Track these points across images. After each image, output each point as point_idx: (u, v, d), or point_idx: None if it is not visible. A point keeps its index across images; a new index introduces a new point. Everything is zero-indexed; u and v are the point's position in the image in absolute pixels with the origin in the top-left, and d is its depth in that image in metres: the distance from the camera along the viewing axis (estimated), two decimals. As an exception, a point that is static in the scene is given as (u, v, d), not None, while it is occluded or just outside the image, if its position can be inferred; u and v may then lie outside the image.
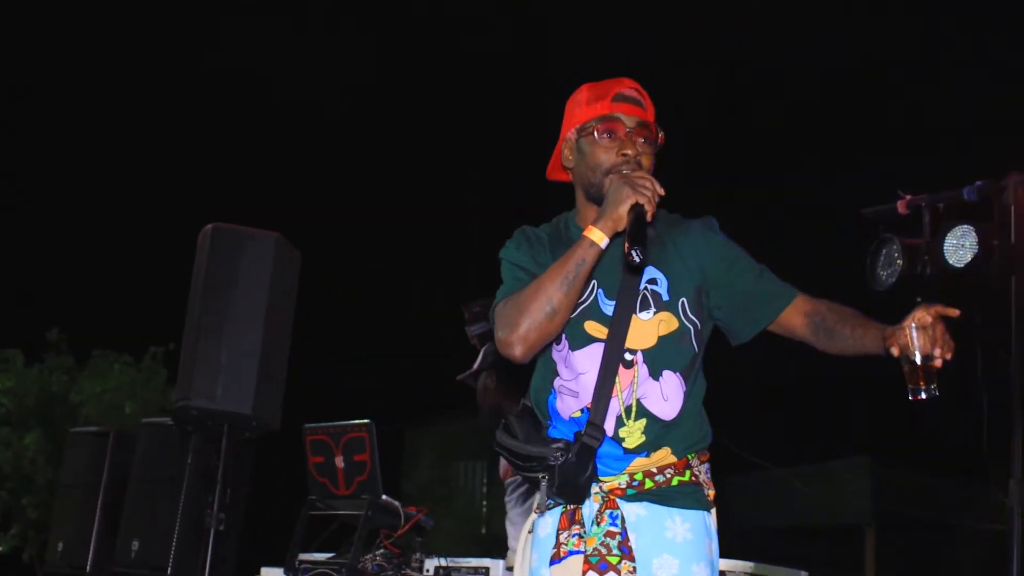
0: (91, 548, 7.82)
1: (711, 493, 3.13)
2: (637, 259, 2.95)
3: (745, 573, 4.85)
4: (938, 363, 2.91)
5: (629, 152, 3.16)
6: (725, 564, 4.88)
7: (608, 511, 3.06)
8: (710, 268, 3.16)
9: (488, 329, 9.44)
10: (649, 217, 2.99)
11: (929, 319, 2.91)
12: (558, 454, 3.04)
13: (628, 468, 3.08)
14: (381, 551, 5.86)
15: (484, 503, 22.08)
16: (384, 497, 5.95)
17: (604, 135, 3.19)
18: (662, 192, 3.03)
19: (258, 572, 6.43)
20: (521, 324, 3.06)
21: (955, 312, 2.92)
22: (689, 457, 3.11)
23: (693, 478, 3.10)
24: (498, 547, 5.77)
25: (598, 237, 3.01)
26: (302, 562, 6.10)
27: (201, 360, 6.09)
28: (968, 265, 6.14)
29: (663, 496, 3.07)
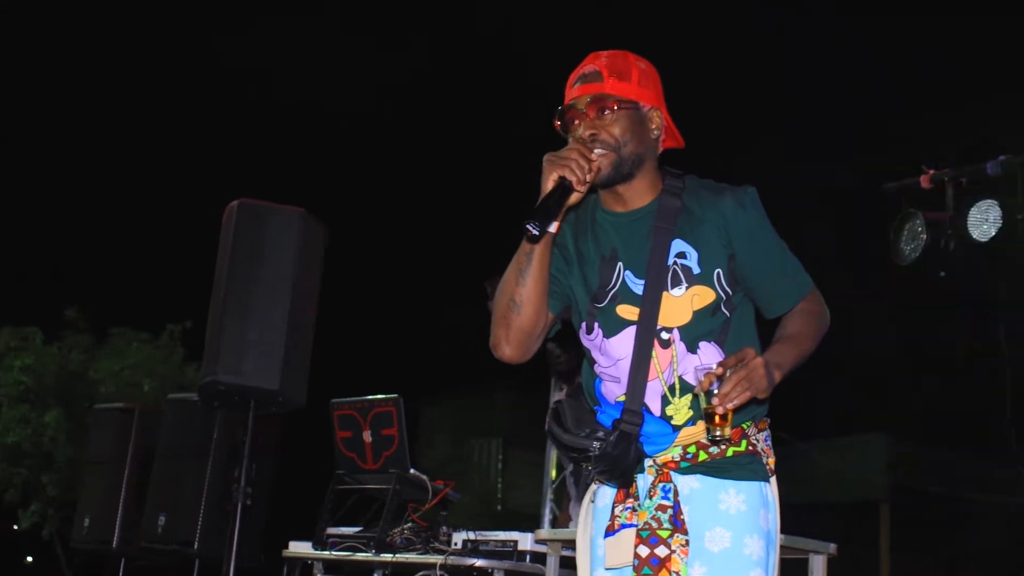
0: (117, 523, 7.88)
1: (771, 462, 3.09)
2: (533, 232, 2.94)
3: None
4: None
5: (578, 135, 3.08)
6: None
7: (661, 484, 3.04)
8: (737, 246, 3.06)
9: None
10: (579, 185, 2.95)
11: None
12: (596, 444, 3.03)
13: (678, 440, 3.06)
14: (409, 525, 5.89)
15: (499, 480, 22.11)
16: (412, 471, 5.98)
17: (563, 128, 3.15)
18: (593, 157, 2.99)
19: (286, 546, 6.46)
20: (497, 326, 3.14)
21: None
22: (744, 427, 3.05)
23: (750, 448, 3.05)
24: (513, 522, 5.80)
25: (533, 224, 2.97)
26: (330, 536, 6.13)
27: (228, 336, 6.11)
28: (992, 239, 6.14)
29: (717, 468, 3.04)
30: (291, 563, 6.40)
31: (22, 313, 21.53)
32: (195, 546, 7.02)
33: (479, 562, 5.55)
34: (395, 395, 6.00)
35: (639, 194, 3.14)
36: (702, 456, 3.03)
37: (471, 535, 5.72)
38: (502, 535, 5.66)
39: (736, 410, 2.87)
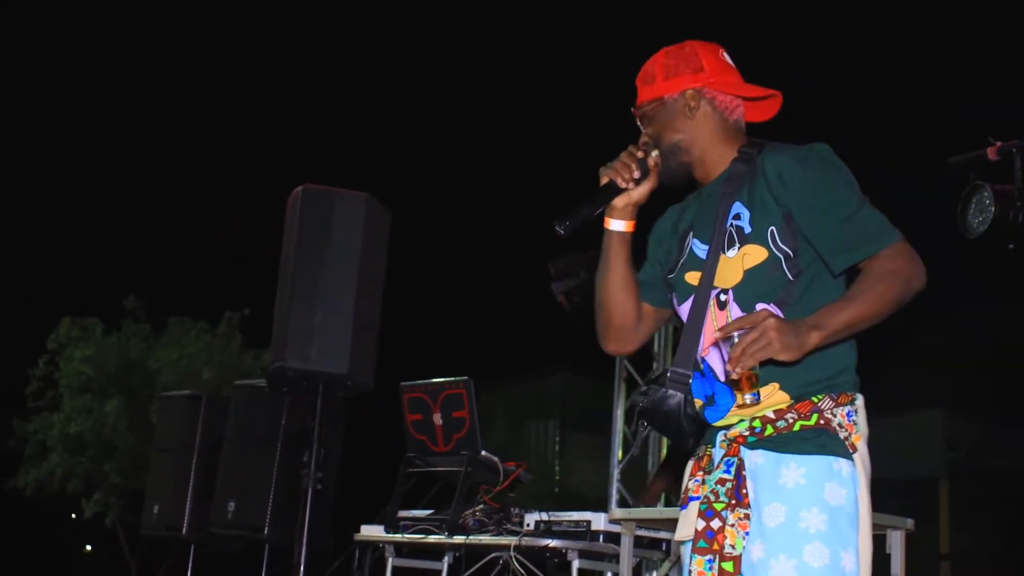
0: (187, 510, 7.92)
1: (855, 438, 2.97)
2: (560, 231, 3.08)
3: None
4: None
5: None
6: None
7: (726, 458, 3.02)
8: (792, 202, 3.02)
9: (574, 285, 9.41)
10: (626, 183, 3.15)
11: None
12: (639, 399, 3.10)
13: (745, 412, 3.01)
14: (481, 507, 5.88)
15: (556, 461, 22.15)
16: (483, 453, 5.97)
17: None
18: (640, 154, 3.18)
19: (357, 530, 6.48)
20: (596, 321, 3.35)
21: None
22: (815, 399, 2.97)
23: (821, 422, 2.95)
24: (571, 503, 5.78)
25: (608, 223, 3.24)
26: (402, 519, 6.14)
27: (295, 321, 6.12)
28: (1062, 211, 6.05)
29: (781, 443, 2.97)
30: (362, 547, 6.42)
31: (82, 304, 21.74)
32: (265, 531, 7.05)
33: (553, 543, 5.53)
34: (465, 377, 6.00)
35: (713, 168, 3.23)
36: (768, 430, 2.99)
37: (544, 516, 5.71)
38: (575, 515, 5.64)
39: (798, 377, 2.93)
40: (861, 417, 3.02)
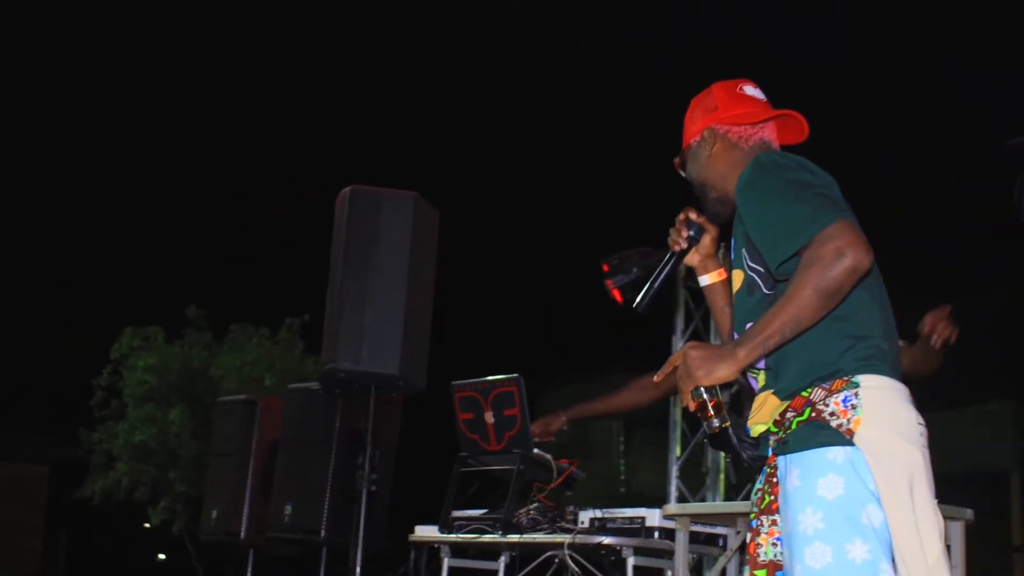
0: (244, 514, 7.93)
1: (855, 422, 2.89)
2: (639, 311, 3.37)
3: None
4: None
5: None
6: None
7: (764, 467, 3.12)
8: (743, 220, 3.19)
9: (629, 281, 9.37)
10: (677, 247, 3.40)
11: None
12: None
13: (759, 423, 3.12)
14: (535, 505, 5.83)
15: (622, 461, 22.06)
16: (536, 451, 5.92)
17: None
18: (681, 216, 3.41)
19: (412, 531, 6.45)
20: None
21: None
22: (805, 393, 2.96)
23: (813, 415, 2.94)
24: (637, 503, 5.71)
25: (700, 281, 3.52)
26: (456, 519, 6.10)
27: (346, 323, 6.11)
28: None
29: (785, 445, 2.98)
30: (418, 548, 6.38)
31: (144, 314, 21.91)
32: (321, 534, 7.03)
33: (607, 540, 5.47)
34: (515, 375, 5.95)
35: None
36: (781, 435, 3.02)
37: (598, 513, 5.65)
38: (629, 512, 5.58)
39: (789, 380, 2.99)
40: (868, 399, 2.92)
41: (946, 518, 4.97)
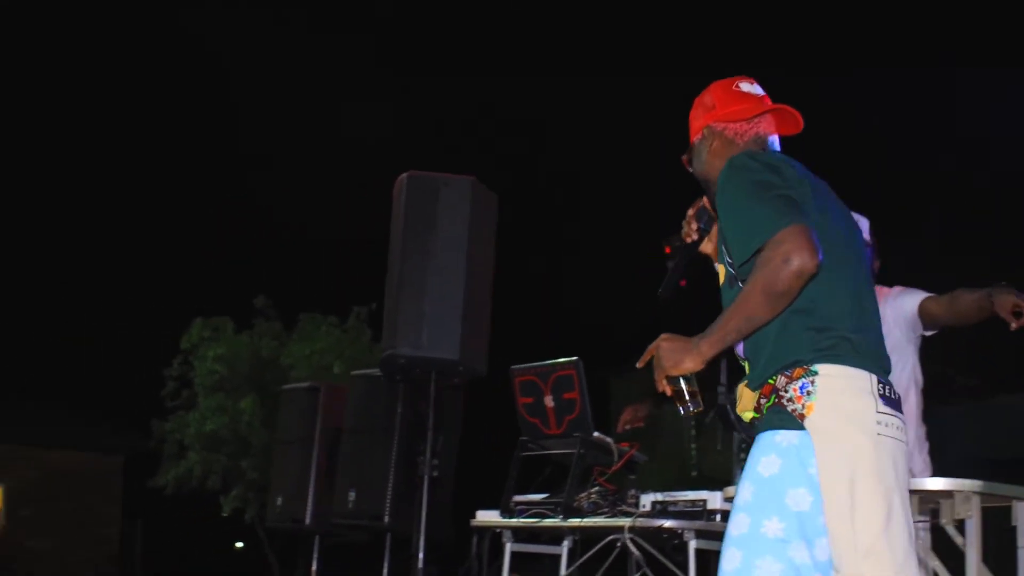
0: (309, 501, 7.94)
1: (808, 407, 3.04)
2: (664, 296, 3.54)
3: (973, 491, 4.65)
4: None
5: None
6: (947, 483, 4.67)
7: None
8: None
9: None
10: (689, 238, 3.55)
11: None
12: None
13: (745, 410, 3.29)
14: (596, 489, 5.80)
15: (693, 446, 21.93)
16: (596, 434, 5.88)
17: None
18: (691, 211, 3.57)
19: (473, 516, 6.43)
20: None
21: None
22: (771, 381, 3.13)
23: (776, 401, 3.11)
24: (709, 487, 5.65)
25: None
26: (517, 503, 6.08)
27: (405, 308, 6.12)
28: None
29: (756, 428, 3.19)
30: (480, 532, 6.36)
31: (213, 304, 22.07)
32: (385, 520, 7.03)
33: (668, 523, 5.43)
34: (575, 358, 5.91)
35: None
36: (758, 419, 3.20)
37: (659, 496, 5.61)
38: (691, 495, 5.53)
39: (759, 371, 3.16)
40: (823, 387, 3.06)
41: (1012, 499, 4.91)
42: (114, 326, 29.65)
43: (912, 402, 5.20)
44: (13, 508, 25.32)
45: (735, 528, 3.08)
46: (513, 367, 6.24)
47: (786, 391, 3.08)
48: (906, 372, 5.23)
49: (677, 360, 3.16)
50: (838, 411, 3.02)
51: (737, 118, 3.48)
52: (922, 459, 5.34)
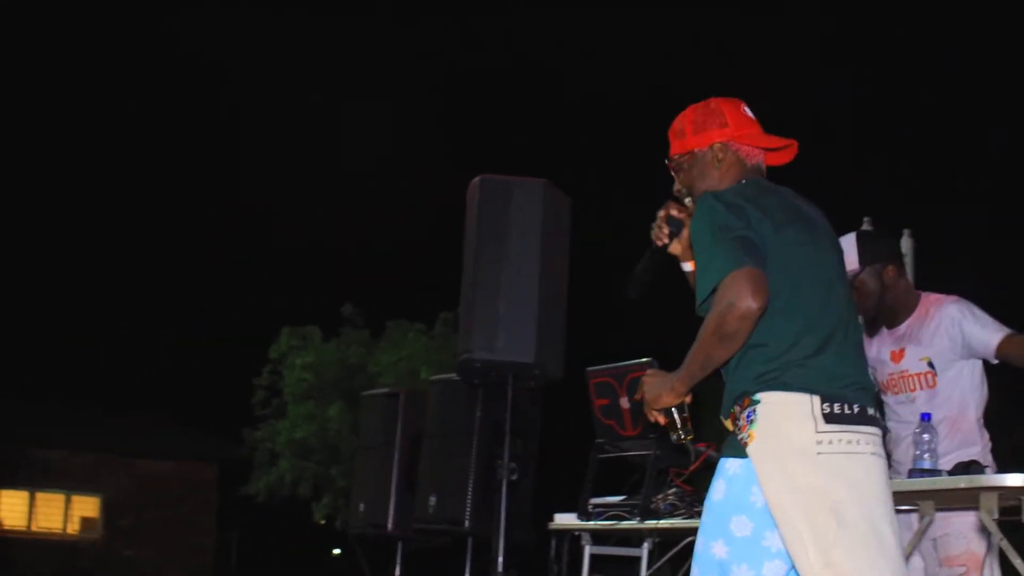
0: (390, 506, 7.94)
1: (751, 434, 3.18)
2: (633, 297, 3.66)
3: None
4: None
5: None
6: (1014, 480, 4.52)
7: None
8: None
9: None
10: (660, 241, 3.65)
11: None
12: None
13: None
14: (673, 490, 5.75)
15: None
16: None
17: None
18: (661, 214, 3.64)
19: (551, 519, 6.41)
20: None
21: None
22: (733, 410, 3.26)
23: (734, 427, 3.26)
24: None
25: (682, 266, 3.70)
26: (595, 506, 6.04)
27: (480, 312, 6.10)
28: None
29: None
30: (559, 536, 6.33)
31: (300, 314, 22.27)
32: (465, 524, 7.03)
33: (745, 523, 5.36)
34: (649, 358, 5.86)
35: None
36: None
37: (737, 497, 5.54)
38: (768, 494, 5.45)
39: (728, 397, 3.27)
40: (762, 414, 3.19)
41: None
42: (206, 337, 30.00)
43: (971, 417, 5.01)
44: (111, 518, 25.65)
45: (696, 547, 3.28)
46: (588, 369, 6.22)
47: (738, 419, 3.23)
48: (960, 386, 5.02)
49: (657, 396, 3.35)
50: (776, 436, 3.15)
51: (750, 142, 3.57)
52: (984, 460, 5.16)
